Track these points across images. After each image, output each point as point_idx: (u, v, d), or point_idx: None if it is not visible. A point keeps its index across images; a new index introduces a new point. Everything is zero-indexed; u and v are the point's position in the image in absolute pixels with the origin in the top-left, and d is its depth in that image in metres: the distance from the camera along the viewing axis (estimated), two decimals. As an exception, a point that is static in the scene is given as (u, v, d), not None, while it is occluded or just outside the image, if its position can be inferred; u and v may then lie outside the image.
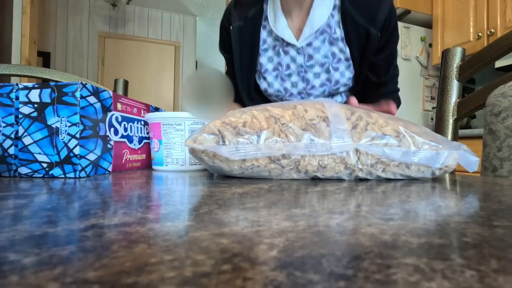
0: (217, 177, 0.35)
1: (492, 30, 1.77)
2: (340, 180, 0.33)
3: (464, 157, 0.32)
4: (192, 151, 0.33)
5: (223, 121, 0.33)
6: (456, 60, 0.64)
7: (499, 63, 1.83)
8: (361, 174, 0.33)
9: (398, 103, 0.71)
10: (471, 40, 1.90)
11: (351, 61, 0.64)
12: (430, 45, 2.33)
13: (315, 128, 0.32)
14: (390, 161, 0.32)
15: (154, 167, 0.47)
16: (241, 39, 0.67)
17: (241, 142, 0.31)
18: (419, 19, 2.36)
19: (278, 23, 0.64)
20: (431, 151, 0.32)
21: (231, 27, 0.68)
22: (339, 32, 0.62)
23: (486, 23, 1.82)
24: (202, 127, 0.34)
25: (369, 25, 0.60)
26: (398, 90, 0.72)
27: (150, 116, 0.45)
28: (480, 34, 1.84)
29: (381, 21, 0.59)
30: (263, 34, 0.67)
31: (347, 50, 0.63)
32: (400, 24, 2.25)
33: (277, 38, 0.66)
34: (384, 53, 0.64)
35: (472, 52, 1.83)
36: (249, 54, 0.68)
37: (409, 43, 2.26)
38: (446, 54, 0.65)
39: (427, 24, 2.36)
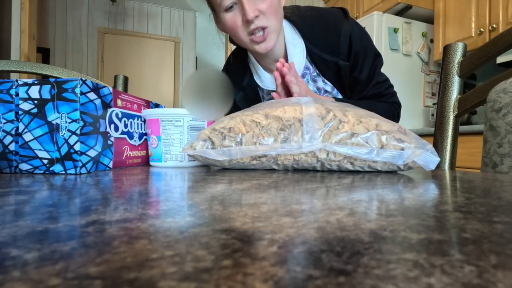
0: (217, 173, 0.35)
1: (494, 25, 1.76)
2: (340, 176, 0.33)
3: (424, 156, 0.35)
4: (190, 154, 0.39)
5: (213, 128, 0.39)
6: (457, 56, 0.64)
7: (500, 59, 1.82)
8: (331, 167, 0.38)
9: (392, 109, 0.71)
10: (473, 35, 1.89)
11: (335, 89, 0.71)
12: (432, 41, 2.31)
13: (290, 129, 0.37)
14: (356, 157, 0.36)
15: (152, 163, 0.47)
16: (246, 103, 0.75)
17: (226, 145, 0.37)
18: (420, 15, 2.35)
19: (264, 80, 0.72)
20: (394, 150, 0.35)
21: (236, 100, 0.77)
22: (316, 71, 0.69)
23: (488, 19, 1.81)
24: (197, 135, 0.40)
25: (336, 58, 0.66)
26: (389, 96, 0.71)
27: (148, 113, 0.45)
28: (481, 29, 1.83)
29: (344, 53, 0.65)
30: (261, 92, 0.76)
31: (328, 82, 0.70)
32: (401, 20, 2.23)
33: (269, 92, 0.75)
34: (363, 73, 0.68)
35: (474, 47, 1.81)
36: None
37: (410, 39, 2.25)
38: (447, 50, 0.65)
39: (429, 20, 2.34)
